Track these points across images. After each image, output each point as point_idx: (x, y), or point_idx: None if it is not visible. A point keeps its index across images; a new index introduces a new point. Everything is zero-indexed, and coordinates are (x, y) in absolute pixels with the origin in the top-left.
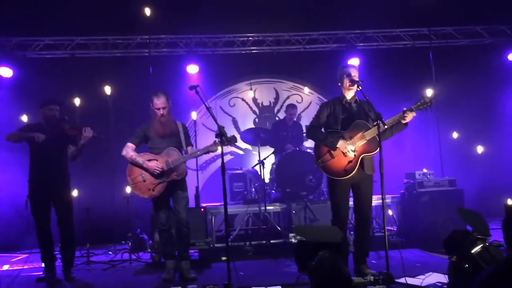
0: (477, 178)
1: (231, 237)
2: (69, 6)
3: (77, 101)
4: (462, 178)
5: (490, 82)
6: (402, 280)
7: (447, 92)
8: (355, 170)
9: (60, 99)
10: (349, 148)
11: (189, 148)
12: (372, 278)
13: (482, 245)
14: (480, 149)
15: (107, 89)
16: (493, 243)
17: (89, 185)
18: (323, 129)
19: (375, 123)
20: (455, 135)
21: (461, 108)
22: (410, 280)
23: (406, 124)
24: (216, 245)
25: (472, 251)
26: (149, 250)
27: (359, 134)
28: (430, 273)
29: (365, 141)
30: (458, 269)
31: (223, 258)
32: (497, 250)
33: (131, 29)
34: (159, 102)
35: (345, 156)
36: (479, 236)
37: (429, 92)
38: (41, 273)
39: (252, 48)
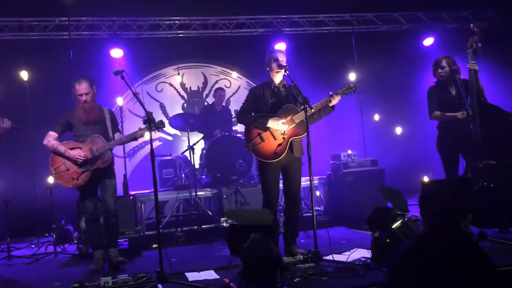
0: (396, 157)
1: (162, 224)
2: None
3: None
4: (383, 158)
5: (407, 66)
6: (329, 257)
7: (368, 76)
8: (285, 152)
9: None
10: (281, 121)
11: (116, 135)
12: (301, 257)
13: (401, 220)
14: (399, 130)
15: (24, 75)
16: (411, 218)
17: (8, 177)
18: (253, 114)
19: (302, 107)
20: (376, 117)
21: (381, 92)
22: (337, 257)
23: (333, 107)
24: (146, 233)
25: (393, 227)
26: (76, 241)
27: (289, 118)
28: (355, 249)
29: (294, 124)
30: (380, 244)
31: (154, 246)
32: (415, 224)
33: (48, 10)
34: (81, 88)
35: (275, 139)
36: (398, 212)
37: (352, 76)
38: None
39: (178, 32)
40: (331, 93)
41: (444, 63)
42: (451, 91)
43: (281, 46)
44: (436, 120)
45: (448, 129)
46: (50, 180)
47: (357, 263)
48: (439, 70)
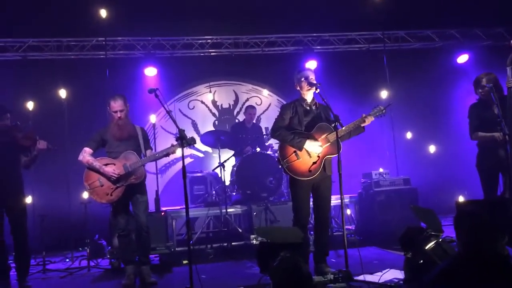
0: (430, 176)
1: (192, 240)
2: (19, 6)
3: (30, 105)
4: (416, 176)
5: (440, 84)
6: (360, 277)
7: (400, 94)
8: (319, 171)
9: (12, 103)
10: (317, 144)
11: (148, 151)
12: (332, 276)
13: (435, 241)
14: (432, 148)
15: (62, 93)
16: (445, 239)
17: (44, 192)
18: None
19: (333, 125)
20: (409, 135)
21: (414, 109)
22: (369, 277)
23: (363, 128)
24: (177, 249)
25: (426, 247)
26: (108, 256)
27: (323, 136)
28: (387, 269)
29: (329, 143)
30: (413, 265)
31: (185, 262)
32: (450, 245)
33: (86, 31)
34: (116, 105)
35: (310, 157)
36: (432, 233)
37: (384, 94)
38: None
39: (210, 50)
40: (364, 115)
41: (484, 81)
42: (494, 110)
43: (311, 64)
44: (476, 140)
45: (488, 148)
46: (85, 195)
47: (389, 284)
48: (479, 89)
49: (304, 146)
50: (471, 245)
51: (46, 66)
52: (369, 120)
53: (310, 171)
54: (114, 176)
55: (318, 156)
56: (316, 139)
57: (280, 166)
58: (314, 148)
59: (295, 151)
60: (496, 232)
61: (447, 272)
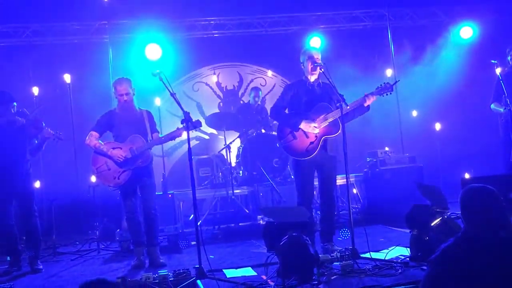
0: (435, 154)
1: (200, 221)
2: None
3: (35, 91)
4: (421, 155)
5: (446, 61)
6: (367, 255)
7: (405, 72)
8: (317, 150)
9: (17, 89)
10: (313, 125)
11: (154, 135)
12: (338, 254)
13: (440, 218)
14: (438, 126)
15: (67, 77)
16: (451, 216)
17: (53, 176)
18: (286, 111)
19: (337, 105)
20: (414, 113)
21: (419, 87)
22: (375, 255)
23: (368, 107)
24: (185, 230)
25: (432, 224)
26: (118, 238)
27: (322, 116)
28: (394, 247)
29: (327, 123)
30: (419, 242)
31: (193, 243)
32: (455, 222)
33: (89, 14)
34: (122, 88)
35: (307, 137)
36: (437, 210)
37: (389, 73)
38: (6, 266)
39: (214, 32)
40: (366, 93)
41: None
42: None
43: (316, 42)
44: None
45: (504, 122)
46: (93, 179)
47: (395, 261)
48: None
49: (300, 127)
50: (479, 224)
51: (50, 51)
52: (371, 99)
53: (307, 150)
54: (121, 159)
55: (316, 136)
56: (313, 119)
57: (278, 146)
58: (308, 129)
59: (291, 131)
60: (506, 210)
61: (454, 248)
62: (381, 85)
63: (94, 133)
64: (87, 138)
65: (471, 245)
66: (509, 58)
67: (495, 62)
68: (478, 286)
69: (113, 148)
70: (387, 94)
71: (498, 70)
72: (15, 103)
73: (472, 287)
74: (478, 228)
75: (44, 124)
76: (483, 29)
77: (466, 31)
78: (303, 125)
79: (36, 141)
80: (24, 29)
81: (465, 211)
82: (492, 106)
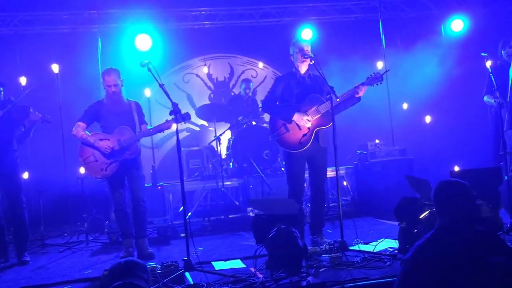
0: (426, 147)
1: (189, 213)
2: None
3: (22, 81)
4: (412, 147)
5: (436, 53)
6: (356, 247)
7: (397, 64)
8: (310, 142)
9: (4, 78)
10: (306, 118)
11: (143, 126)
12: (327, 247)
13: (429, 210)
14: (428, 119)
15: (55, 67)
16: None
17: (41, 167)
18: (278, 103)
19: (328, 96)
20: (405, 106)
21: (410, 80)
22: (364, 247)
23: (359, 98)
24: (174, 222)
25: (420, 217)
26: (106, 230)
27: (314, 108)
28: (382, 239)
29: (319, 115)
30: (407, 235)
31: (182, 235)
32: None
33: (78, 3)
34: (110, 79)
35: (300, 129)
36: (426, 202)
37: (380, 65)
38: None
39: (205, 22)
40: (357, 83)
41: None
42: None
43: (307, 34)
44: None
45: (494, 115)
46: (81, 170)
47: (383, 253)
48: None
49: (293, 119)
50: (454, 218)
51: (38, 40)
52: (363, 90)
53: (300, 143)
54: (108, 150)
55: (308, 128)
56: (305, 111)
57: (270, 139)
58: (301, 122)
59: (284, 124)
60: (472, 200)
61: (426, 245)
62: (371, 75)
63: (81, 123)
64: (73, 128)
65: (447, 239)
66: (503, 52)
67: (485, 55)
68: (454, 281)
69: (100, 140)
70: (377, 84)
71: (488, 63)
72: (1, 88)
73: (448, 282)
74: (453, 222)
75: (31, 110)
76: (474, 22)
77: (457, 24)
78: (296, 117)
79: (23, 129)
80: (12, 17)
81: (439, 206)
82: (485, 98)
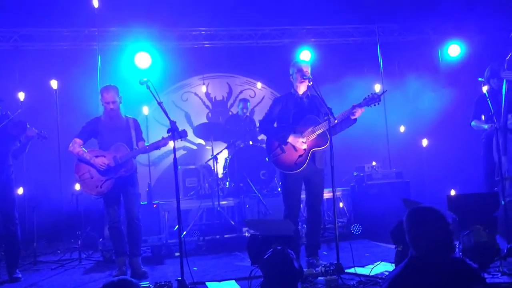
0: (422, 170)
1: (185, 232)
2: None
3: (21, 96)
4: (408, 170)
5: (434, 77)
6: (352, 270)
7: (394, 87)
8: (305, 164)
9: (2, 93)
10: (301, 141)
11: (140, 143)
12: (323, 269)
13: None
14: (425, 142)
15: (54, 83)
16: None
17: (36, 182)
18: (275, 124)
19: (325, 118)
20: (402, 128)
21: (407, 103)
22: (360, 270)
23: (355, 120)
24: (169, 241)
25: None
26: (100, 247)
27: (310, 129)
28: (379, 262)
29: (315, 136)
30: (404, 258)
31: (177, 254)
32: None
33: (79, 20)
34: (108, 96)
35: (296, 150)
36: None
37: (377, 88)
38: None
39: (204, 42)
40: (354, 104)
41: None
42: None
43: (305, 56)
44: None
45: (485, 141)
46: (77, 187)
47: (380, 277)
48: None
49: (288, 140)
50: (427, 247)
51: (38, 56)
52: (359, 111)
53: (296, 164)
54: (103, 167)
55: (304, 150)
56: (301, 133)
57: (267, 160)
58: (296, 144)
59: (280, 145)
60: (449, 229)
61: (398, 282)
62: (368, 95)
63: (78, 140)
64: (70, 145)
65: (421, 269)
66: (491, 81)
67: (482, 80)
68: None
69: (96, 156)
70: (375, 105)
71: (485, 88)
72: None
73: None
74: (426, 252)
75: (28, 125)
76: (470, 47)
77: (454, 49)
78: (291, 139)
79: (18, 144)
80: (12, 33)
81: (411, 235)
82: (473, 123)
